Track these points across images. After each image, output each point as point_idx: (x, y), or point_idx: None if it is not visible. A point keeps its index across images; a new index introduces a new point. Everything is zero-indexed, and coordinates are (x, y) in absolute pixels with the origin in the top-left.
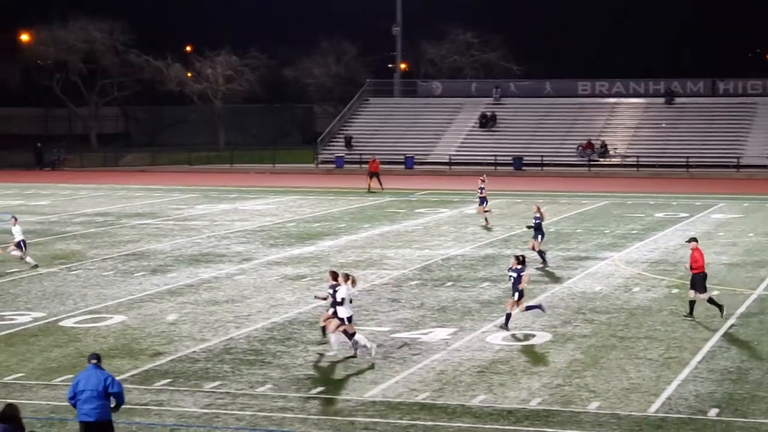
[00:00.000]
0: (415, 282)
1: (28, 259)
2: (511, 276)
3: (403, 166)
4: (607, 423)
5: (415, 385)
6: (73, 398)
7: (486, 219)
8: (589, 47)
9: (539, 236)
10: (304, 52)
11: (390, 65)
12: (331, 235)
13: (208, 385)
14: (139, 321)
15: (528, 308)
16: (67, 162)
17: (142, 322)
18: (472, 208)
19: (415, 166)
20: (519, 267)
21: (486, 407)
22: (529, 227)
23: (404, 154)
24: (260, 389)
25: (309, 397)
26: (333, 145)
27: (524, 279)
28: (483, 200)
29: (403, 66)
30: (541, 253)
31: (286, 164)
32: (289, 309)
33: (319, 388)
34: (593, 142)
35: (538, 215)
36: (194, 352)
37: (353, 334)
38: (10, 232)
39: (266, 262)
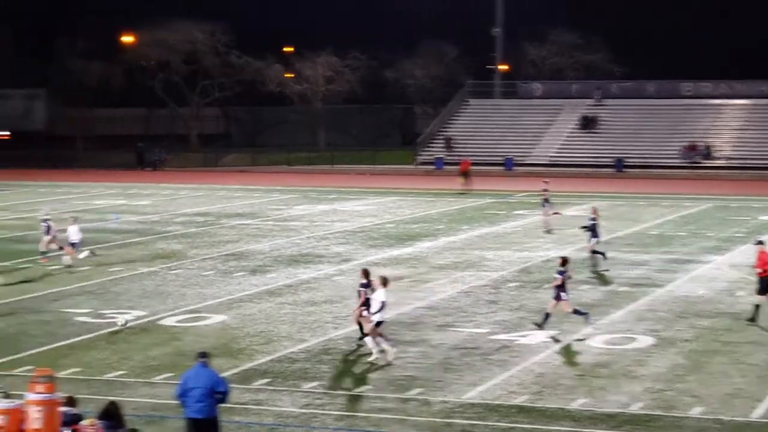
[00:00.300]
0: (514, 284)
1: (66, 258)
2: (555, 278)
3: (502, 168)
4: (710, 428)
5: (514, 388)
6: (183, 395)
7: (546, 222)
8: (692, 47)
9: (593, 238)
10: (404, 53)
11: (490, 66)
12: (429, 236)
13: (307, 385)
14: (238, 321)
15: (576, 311)
16: (168, 162)
17: (241, 322)
18: (572, 210)
19: (515, 168)
20: (561, 269)
21: (585, 411)
22: (583, 228)
23: (504, 156)
24: (358, 389)
25: (407, 399)
26: (432, 146)
27: (556, 281)
28: (546, 202)
29: (503, 67)
30: (597, 253)
31: (386, 165)
32: (388, 310)
33: (417, 390)
34: (697, 144)
35: (593, 216)
36: (293, 352)
37: (366, 335)
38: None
39: (365, 262)
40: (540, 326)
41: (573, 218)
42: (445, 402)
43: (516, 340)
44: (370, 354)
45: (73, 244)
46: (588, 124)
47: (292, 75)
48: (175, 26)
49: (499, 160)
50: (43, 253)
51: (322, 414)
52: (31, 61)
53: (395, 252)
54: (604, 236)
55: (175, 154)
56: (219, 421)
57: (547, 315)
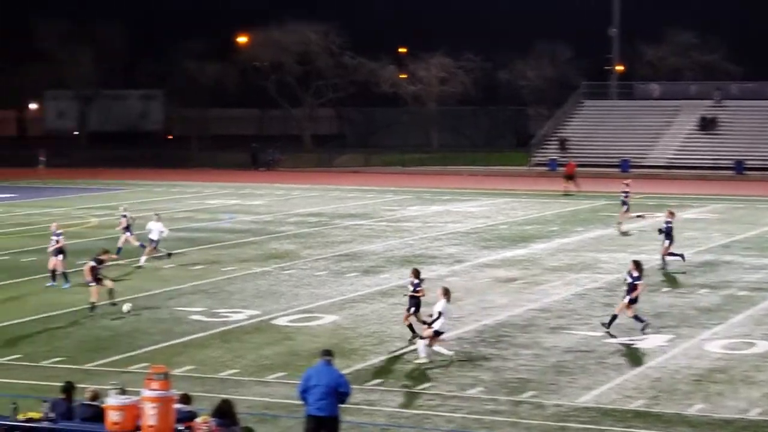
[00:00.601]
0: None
1: (144, 259)
2: (626, 280)
3: (618, 170)
4: None
5: (630, 392)
6: (305, 392)
7: (620, 223)
8: None
9: (668, 241)
10: (518, 54)
11: (606, 67)
12: (543, 238)
13: (419, 386)
14: (350, 321)
15: (636, 318)
16: (282, 162)
17: (354, 322)
18: (691, 213)
19: (631, 170)
20: (636, 274)
21: (703, 417)
22: (659, 231)
23: (619, 157)
24: (471, 391)
25: (520, 401)
26: (546, 148)
27: (639, 288)
28: (626, 204)
29: (619, 68)
30: (673, 255)
31: (499, 166)
32: (501, 311)
33: (531, 392)
34: None
35: (669, 220)
36: (405, 353)
37: (422, 338)
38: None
39: (478, 264)
40: (606, 327)
41: (690, 221)
42: (559, 405)
43: (632, 344)
44: (425, 357)
45: (152, 241)
46: (707, 125)
47: (406, 76)
48: (289, 27)
49: (614, 162)
50: (119, 249)
51: (434, 415)
52: (148, 63)
53: (508, 253)
54: (721, 239)
55: (288, 154)
56: (340, 420)
57: (614, 317)
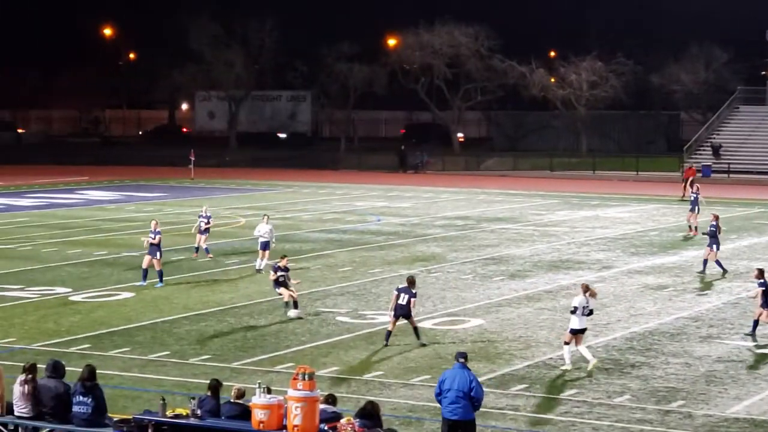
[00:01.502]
0: None
1: (258, 262)
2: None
3: None
4: None
5: None
6: (440, 395)
7: (691, 227)
8: None
9: (714, 245)
10: (671, 58)
11: (763, 72)
12: (695, 245)
13: (565, 393)
14: (496, 325)
15: None
16: (430, 165)
17: (500, 326)
18: None
19: None
20: (762, 280)
21: None
22: (704, 234)
23: None
24: (618, 399)
25: (668, 411)
26: (700, 154)
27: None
28: (695, 206)
29: None
30: (717, 263)
31: (650, 172)
32: (650, 319)
33: (680, 402)
34: None
35: (714, 223)
36: (551, 358)
37: (566, 343)
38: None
39: (627, 270)
40: (751, 335)
41: None
42: (709, 416)
43: None
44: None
45: (263, 245)
46: None
47: (555, 80)
48: (439, 29)
49: None
50: (197, 249)
51: (581, 422)
52: (298, 65)
53: (659, 260)
54: None
55: (436, 157)
56: (476, 425)
57: (756, 323)
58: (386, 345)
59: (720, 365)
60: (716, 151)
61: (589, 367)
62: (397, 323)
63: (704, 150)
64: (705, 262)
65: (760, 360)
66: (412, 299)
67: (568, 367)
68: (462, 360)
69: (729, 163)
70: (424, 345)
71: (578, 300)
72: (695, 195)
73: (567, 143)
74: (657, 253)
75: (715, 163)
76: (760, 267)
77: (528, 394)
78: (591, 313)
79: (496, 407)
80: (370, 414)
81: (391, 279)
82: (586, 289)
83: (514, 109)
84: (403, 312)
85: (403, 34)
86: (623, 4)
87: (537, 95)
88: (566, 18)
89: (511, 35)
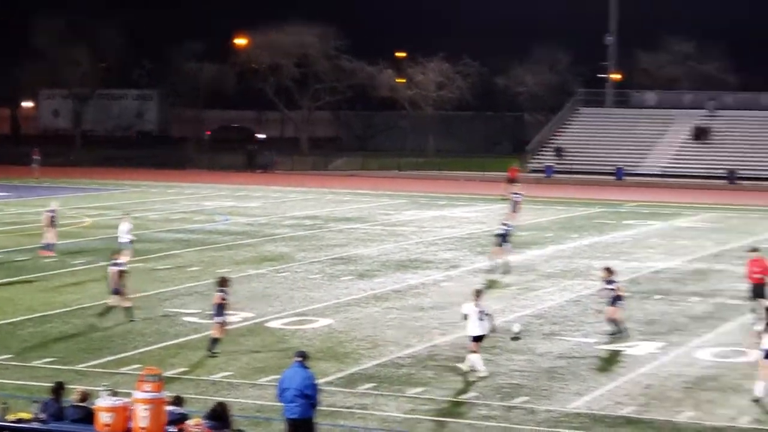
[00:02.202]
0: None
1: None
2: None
3: (613, 177)
4: None
5: (621, 399)
6: (280, 394)
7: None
8: None
9: (504, 244)
10: (516, 60)
11: (602, 75)
12: (538, 244)
13: (412, 391)
14: (344, 325)
15: (613, 323)
16: (278, 165)
17: (348, 326)
18: (683, 221)
19: (625, 178)
20: (609, 279)
21: (693, 424)
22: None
23: (614, 165)
24: (464, 396)
25: (512, 407)
26: (543, 155)
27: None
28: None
29: (615, 76)
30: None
31: (496, 172)
32: (495, 317)
33: (523, 398)
34: None
35: (509, 224)
36: (399, 357)
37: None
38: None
39: (473, 269)
40: (614, 334)
41: (682, 229)
42: (551, 411)
43: (623, 351)
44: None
45: (121, 244)
46: (700, 135)
47: (404, 80)
48: (288, 29)
49: (609, 170)
50: (44, 246)
51: (427, 420)
52: (145, 63)
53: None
54: (713, 248)
55: (285, 157)
56: (314, 423)
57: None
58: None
59: (562, 361)
60: (558, 152)
61: (464, 368)
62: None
63: (547, 151)
64: (493, 259)
65: (600, 356)
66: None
67: (484, 373)
68: (300, 359)
69: (570, 164)
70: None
71: (468, 306)
72: (516, 195)
73: (415, 143)
74: (510, 252)
75: (557, 163)
76: (607, 266)
77: (376, 392)
78: (488, 317)
79: (344, 406)
80: (218, 415)
81: (239, 279)
82: (477, 294)
83: (362, 109)
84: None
85: (252, 33)
86: (469, 7)
87: (385, 96)
88: (413, 19)
89: (359, 36)
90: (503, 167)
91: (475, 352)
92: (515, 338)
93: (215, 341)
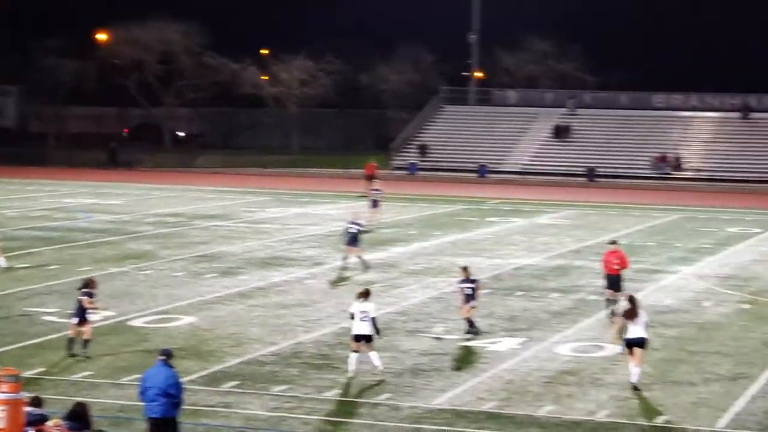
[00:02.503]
0: (484, 291)
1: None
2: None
3: (476, 174)
4: None
5: (483, 394)
6: (142, 393)
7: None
8: (665, 60)
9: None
10: (380, 58)
11: (465, 73)
12: (402, 241)
13: (276, 389)
14: (208, 322)
15: (469, 322)
16: (143, 162)
17: (212, 324)
18: (544, 219)
19: (488, 175)
20: (464, 277)
21: (553, 418)
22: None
23: (477, 163)
24: (327, 394)
25: (376, 403)
26: (407, 152)
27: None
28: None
29: (478, 74)
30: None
31: (360, 169)
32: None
33: (387, 395)
34: (667, 155)
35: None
36: (262, 355)
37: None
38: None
39: (337, 266)
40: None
41: (543, 226)
42: (414, 407)
43: (486, 347)
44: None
45: None
46: (561, 133)
47: (267, 77)
48: (151, 25)
49: (472, 167)
50: None
51: (291, 417)
52: (4, 58)
53: (367, 257)
54: (573, 245)
55: (148, 154)
56: (177, 422)
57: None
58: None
59: (425, 358)
60: (422, 149)
61: (378, 368)
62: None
63: (411, 148)
64: (346, 258)
65: (462, 353)
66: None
67: (351, 374)
68: (163, 358)
69: (434, 161)
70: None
71: (355, 306)
72: (376, 192)
73: (279, 141)
74: (365, 250)
75: (421, 160)
76: (464, 265)
77: (239, 391)
78: (374, 320)
79: (207, 405)
80: (79, 415)
81: (101, 277)
82: (365, 294)
83: (227, 106)
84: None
85: (114, 29)
86: (333, 5)
87: (249, 93)
88: (277, 16)
89: (223, 33)
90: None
91: (356, 351)
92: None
93: (72, 341)
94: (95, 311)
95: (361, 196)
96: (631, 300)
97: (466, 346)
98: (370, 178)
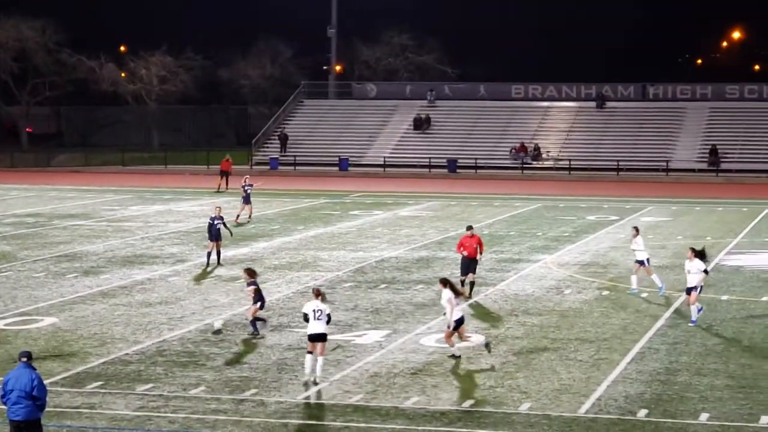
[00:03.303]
0: (348, 284)
1: None
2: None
3: (337, 168)
4: (538, 423)
5: (349, 387)
6: (4, 396)
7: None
8: (523, 50)
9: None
10: (239, 53)
11: (325, 67)
12: (265, 236)
13: (141, 388)
14: (70, 323)
15: (255, 322)
16: None
17: (74, 324)
18: (406, 211)
19: (350, 168)
20: (252, 280)
21: (419, 409)
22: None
23: (339, 156)
24: (193, 391)
25: (242, 399)
26: (268, 147)
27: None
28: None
29: (338, 68)
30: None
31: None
32: (223, 310)
33: (253, 390)
34: (526, 145)
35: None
36: (127, 354)
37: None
38: None
39: (200, 263)
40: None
41: (406, 219)
42: (281, 402)
43: (351, 340)
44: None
45: None
46: (421, 124)
47: (125, 74)
48: (4, 23)
49: (334, 161)
50: None
51: (157, 416)
52: None
53: (230, 252)
54: (436, 236)
55: (4, 153)
56: (41, 424)
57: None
58: None
59: (290, 353)
60: (283, 143)
61: (318, 374)
62: None
63: (272, 143)
64: (209, 254)
65: (327, 346)
66: None
67: (307, 378)
68: (25, 359)
69: (295, 156)
70: None
71: (310, 305)
72: (247, 186)
73: (139, 138)
74: (228, 246)
75: (282, 155)
76: (249, 267)
77: (104, 391)
78: (329, 319)
79: (71, 406)
80: None
81: None
82: (317, 293)
83: (84, 104)
84: None
85: None
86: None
87: (107, 90)
88: (136, 12)
89: (79, 29)
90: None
91: (310, 352)
92: (217, 333)
93: None
94: None
95: (217, 191)
96: (444, 282)
97: (332, 340)
98: (225, 174)
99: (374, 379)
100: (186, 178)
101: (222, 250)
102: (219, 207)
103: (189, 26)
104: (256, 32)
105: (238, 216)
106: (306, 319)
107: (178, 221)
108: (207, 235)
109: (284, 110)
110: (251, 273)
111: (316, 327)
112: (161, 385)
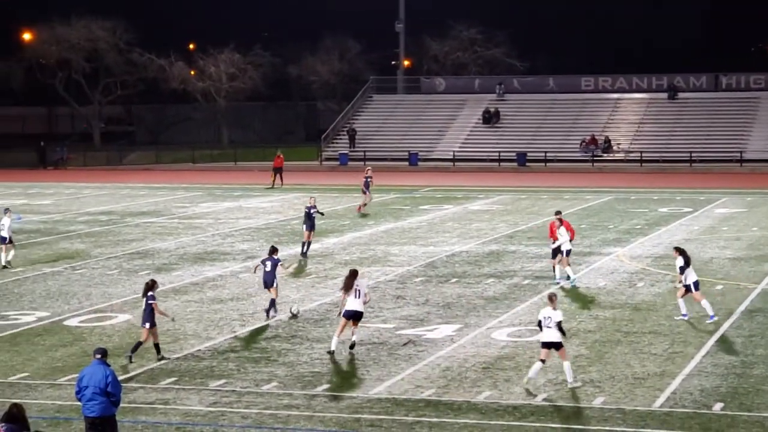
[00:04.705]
0: (419, 279)
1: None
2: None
3: (407, 163)
4: (612, 418)
5: (421, 382)
6: (79, 392)
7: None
8: (592, 42)
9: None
10: (307, 50)
11: (393, 62)
12: (335, 232)
13: (214, 384)
14: None
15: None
16: (71, 161)
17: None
18: (476, 205)
19: (419, 163)
20: (151, 293)
21: (491, 403)
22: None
23: (408, 151)
24: (265, 387)
25: (314, 395)
26: (337, 143)
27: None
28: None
29: (406, 63)
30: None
31: (290, 162)
32: (295, 306)
33: (325, 386)
34: (596, 137)
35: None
36: (199, 350)
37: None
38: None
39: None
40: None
41: (476, 213)
42: (353, 397)
43: (423, 335)
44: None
45: (3, 239)
46: (490, 118)
47: (194, 72)
48: (76, 23)
49: (403, 156)
50: None
51: (230, 412)
52: None
53: (297, 249)
54: (506, 230)
55: (78, 152)
56: (116, 420)
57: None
58: None
59: (362, 348)
60: (352, 139)
61: (569, 379)
62: None
63: (341, 139)
64: (304, 243)
65: (399, 341)
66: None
67: (529, 379)
68: (99, 356)
69: (365, 151)
70: None
71: (541, 312)
72: (369, 178)
73: (208, 135)
74: (299, 242)
75: (351, 151)
76: (152, 279)
77: (177, 387)
78: (560, 326)
79: (146, 402)
80: (15, 417)
81: (34, 278)
82: (550, 299)
83: (155, 102)
84: None
85: (39, 28)
86: None
87: (177, 88)
88: (203, 10)
89: (149, 29)
90: (297, 156)
91: (543, 360)
92: (294, 317)
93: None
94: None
95: (269, 188)
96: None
97: (402, 335)
98: (278, 170)
99: (446, 374)
100: (255, 175)
101: (294, 245)
102: (313, 196)
103: (257, 23)
104: (323, 28)
105: (360, 207)
106: (539, 326)
107: (248, 218)
108: (303, 226)
109: (353, 106)
110: (151, 286)
111: (547, 335)
112: (234, 381)
